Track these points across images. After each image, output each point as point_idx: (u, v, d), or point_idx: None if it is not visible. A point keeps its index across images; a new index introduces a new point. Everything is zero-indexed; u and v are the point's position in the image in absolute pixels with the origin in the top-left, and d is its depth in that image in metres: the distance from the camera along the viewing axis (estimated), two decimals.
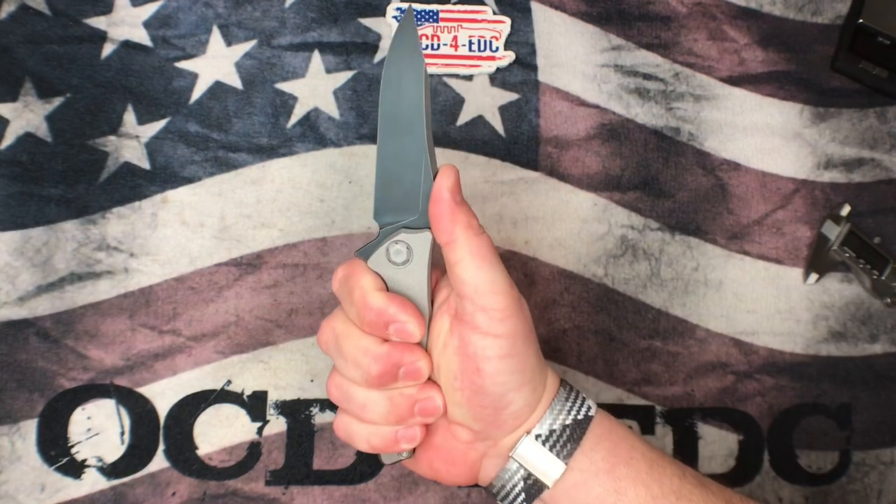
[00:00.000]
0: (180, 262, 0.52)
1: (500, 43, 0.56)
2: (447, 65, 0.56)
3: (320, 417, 0.51)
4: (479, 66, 0.56)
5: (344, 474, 0.50)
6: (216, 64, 0.56)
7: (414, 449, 0.39)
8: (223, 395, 0.50)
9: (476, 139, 0.55)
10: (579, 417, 0.37)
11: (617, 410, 0.51)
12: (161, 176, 0.54)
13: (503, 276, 0.36)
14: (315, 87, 0.56)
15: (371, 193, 0.38)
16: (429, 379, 0.37)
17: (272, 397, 0.51)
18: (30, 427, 0.49)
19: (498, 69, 0.56)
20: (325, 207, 0.54)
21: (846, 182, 0.55)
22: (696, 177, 0.55)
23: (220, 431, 0.50)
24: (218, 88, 0.55)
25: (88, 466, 0.49)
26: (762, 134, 0.56)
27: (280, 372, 0.51)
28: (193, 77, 0.55)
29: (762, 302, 0.53)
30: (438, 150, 0.55)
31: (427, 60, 0.56)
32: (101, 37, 0.55)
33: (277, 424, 0.50)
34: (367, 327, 0.37)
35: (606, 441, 0.38)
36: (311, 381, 0.51)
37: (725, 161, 0.56)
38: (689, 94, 0.56)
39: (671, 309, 0.53)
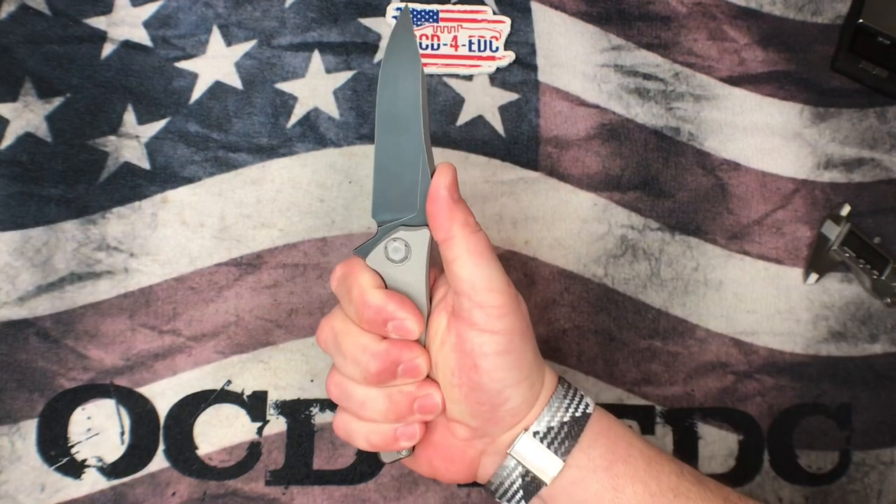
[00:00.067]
0: (180, 262, 0.52)
1: (500, 43, 0.56)
2: (447, 65, 0.56)
3: (320, 417, 0.51)
4: (479, 66, 0.56)
5: (344, 474, 0.50)
6: (216, 64, 0.56)
7: (413, 447, 0.39)
8: (223, 395, 0.50)
9: (476, 139, 0.55)
10: (577, 415, 0.38)
11: (617, 410, 0.51)
12: (161, 176, 0.54)
13: (500, 274, 0.36)
14: (315, 87, 0.56)
15: (371, 193, 0.38)
16: (427, 376, 0.38)
17: (272, 397, 0.51)
18: (30, 427, 0.49)
19: (498, 69, 0.56)
20: (325, 207, 0.54)
21: (846, 182, 0.55)
22: (696, 177, 0.55)
23: (220, 431, 0.50)
24: (218, 88, 0.55)
25: (88, 466, 0.49)
26: (762, 134, 0.56)
27: (280, 372, 0.51)
28: (193, 77, 0.55)
29: (762, 302, 0.53)
30: (438, 150, 0.55)
31: (427, 60, 0.56)
32: (101, 37, 0.55)
33: (277, 424, 0.50)
34: (366, 325, 0.37)
35: (604, 438, 0.38)
36: (311, 381, 0.51)
37: (725, 161, 0.56)
38: (689, 94, 0.56)
39: (671, 309, 0.53)
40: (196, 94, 0.55)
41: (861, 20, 0.53)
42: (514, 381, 0.36)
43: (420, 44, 0.56)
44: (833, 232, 0.54)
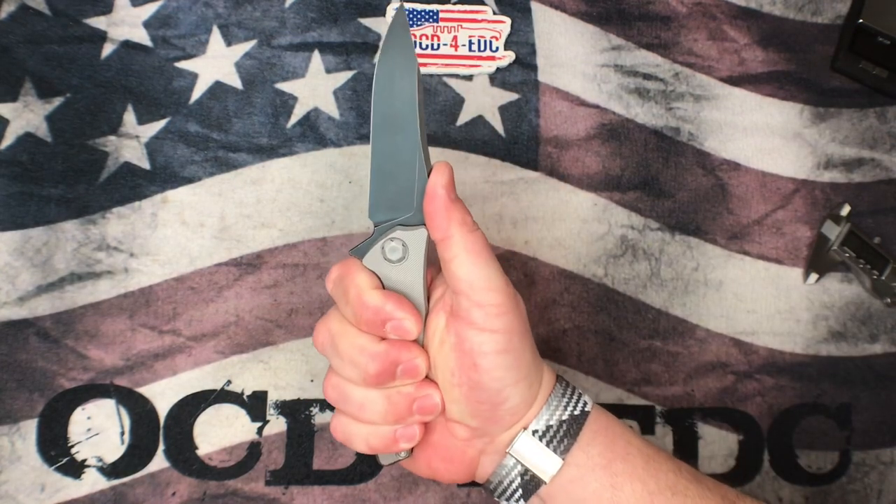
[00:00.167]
0: (180, 262, 0.52)
1: (500, 43, 0.56)
2: (447, 65, 0.56)
3: (320, 417, 0.51)
4: (479, 66, 0.56)
5: (344, 474, 0.50)
6: (216, 64, 0.56)
7: (412, 449, 0.39)
8: (223, 395, 0.50)
9: (476, 139, 0.55)
10: (576, 413, 0.38)
11: (617, 410, 0.51)
12: (161, 176, 0.54)
13: (498, 273, 0.36)
14: (315, 87, 0.56)
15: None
16: (426, 377, 0.37)
17: (272, 397, 0.51)
18: (30, 427, 0.49)
19: (498, 69, 0.56)
20: (325, 207, 0.54)
21: (846, 182, 0.55)
22: (696, 177, 0.55)
23: (220, 431, 0.50)
24: (218, 88, 0.55)
25: (88, 466, 0.49)
26: (762, 134, 0.56)
27: (280, 372, 0.51)
28: (193, 77, 0.55)
29: (762, 302, 0.53)
30: (439, 150, 0.55)
31: (427, 60, 0.56)
32: (101, 37, 0.55)
33: (277, 424, 0.50)
34: (364, 326, 0.37)
35: (603, 437, 0.38)
36: (311, 381, 0.51)
37: (725, 161, 0.56)
38: (689, 94, 0.56)
39: (671, 309, 0.53)
40: (196, 94, 0.55)
41: (861, 20, 0.53)
42: (514, 380, 0.36)
43: (420, 44, 0.56)
44: (833, 232, 0.54)
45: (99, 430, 0.50)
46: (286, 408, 0.51)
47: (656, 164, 0.55)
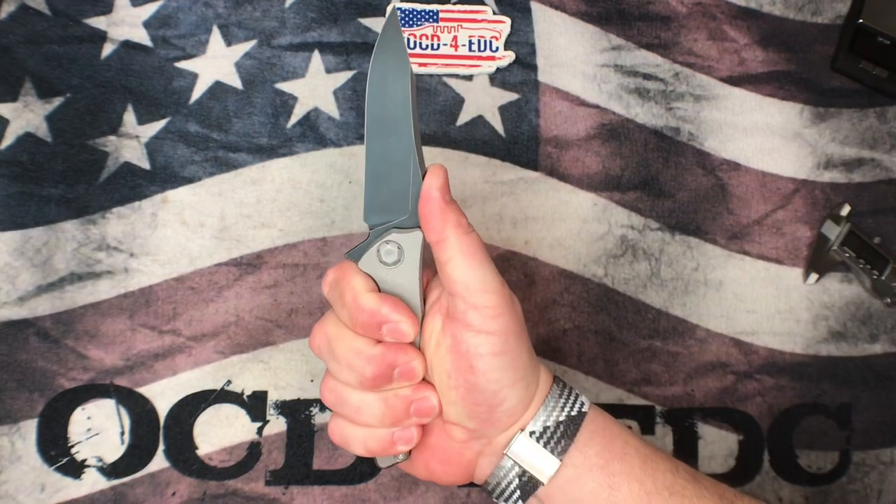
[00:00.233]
0: (180, 262, 0.52)
1: (500, 43, 0.56)
2: (447, 65, 0.56)
3: (320, 417, 0.51)
4: (479, 66, 0.56)
5: (344, 474, 0.50)
6: (216, 64, 0.56)
7: (409, 451, 0.39)
8: (223, 395, 0.51)
9: (476, 139, 0.55)
10: (573, 414, 0.38)
11: (617, 410, 0.51)
12: (161, 176, 0.54)
13: (494, 274, 0.36)
14: (315, 87, 0.56)
15: None
16: (423, 379, 0.37)
17: (272, 397, 0.51)
18: (30, 427, 0.49)
19: (498, 69, 0.56)
20: (325, 207, 0.54)
21: (846, 182, 0.55)
22: (696, 177, 0.55)
23: (220, 431, 0.50)
24: (218, 88, 0.55)
25: (88, 466, 0.49)
26: (762, 134, 0.56)
27: (280, 372, 0.51)
28: (193, 77, 0.55)
29: (762, 302, 0.53)
30: (438, 150, 0.55)
31: (427, 60, 0.56)
32: (101, 37, 0.55)
33: (277, 424, 0.50)
34: (360, 329, 0.37)
35: (600, 437, 0.38)
36: (311, 381, 0.51)
37: (725, 161, 0.56)
38: (689, 94, 0.56)
39: (671, 309, 0.53)
40: (196, 94, 0.55)
41: (861, 20, 0.53)
42: (511, 382, 0.36)
43: (420, 44, 0.56)
44: (833, 232, 0.54)
45: (99, 430, 0.50)
46: (286, 408, 0.51)
47: (656, 164, 0.55)
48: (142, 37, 0.56)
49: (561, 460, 0.37)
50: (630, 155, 0.55)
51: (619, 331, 0.53)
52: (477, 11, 0.57)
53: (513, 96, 0.56)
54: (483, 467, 0.39)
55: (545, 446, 0.37)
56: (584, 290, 0.53)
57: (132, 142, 0.54)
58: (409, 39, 0.56)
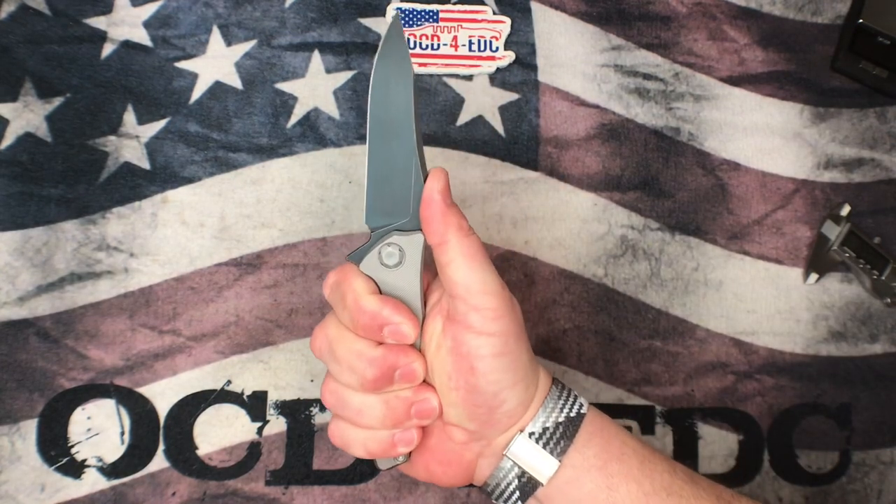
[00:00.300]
0: (180, 262, 0.52)
1: (500, 43, 0.56)
2: (447, 65, 0.56)
3: (320, 417, 0.51)
4: (479, 66, 0.56)
5: (344, 474, 0.50)
6: (216, 64, 0.56)
7: (409, 453, 0.39)
8: (223, 395, 0.51)
9: (476, 139, 0.55)
10: (572, 415, 0.38)
11: (617, 410, 0.51)
12: (161, 176, 0.54)
13: (494, 276, 0.36)
14: (315, 87, 0.56)
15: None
16: (423, 381, 0.38)
17: (272, 397, 0.51)
18: (30, 427, 0.49)
19: (498, 69, 0.56)
20: (325, 207, 0.54)
21: (846, 182, 0.55)
22: (696, 177, 0.55)
23: (220, 431, 0.50)
24: (218, 88, 0.55)
25: (88, 466, 0.49)
26: (762, 134, 0.56)
27: (280, 372, 0.51)
28: (193, 77, 0.55)
29: (762, 302, 0.53)
30: (438, 150, 0.55)
31: (427, 60, 0.56)
32: (101, 37, 0.55)
33: (277, 424, 0.50)
34: (362, 331, 0.37)
35: (598, 438, 0.38)
36: (311, 381, 0.51)
37: (725, 161, 0.56)
38: (689, 94, 0.56)
39: (671, 309, 0.53)
40: (196, 94, 0.55)
41: (861, 20, 0.53)
42: (511, 383, 0.36)
43: (420, 44, 0.56)
44: (833, 232, 0.54)
45: (99, 430, 0.50)
46: (286, 408, 0.51)
47: (656, 164, 0.55)
48: (142, 37, 0.56)
49: (560, 461, 0.37)
50: (630, 155, 0.55)
51: (619, 331, 0.53)
52: (477, 11, 0.57)
53: (513, 96, 0.56)
54: (483, 468, 0.39)
55: (544, 447, 0.37)
56: (584, 290, 0.53)
57: (132, 142, 0.54)
58: (409, 39, 0.56)
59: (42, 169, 0.53)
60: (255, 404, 0.50)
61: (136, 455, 0.49)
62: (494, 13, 0.57)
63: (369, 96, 0.37)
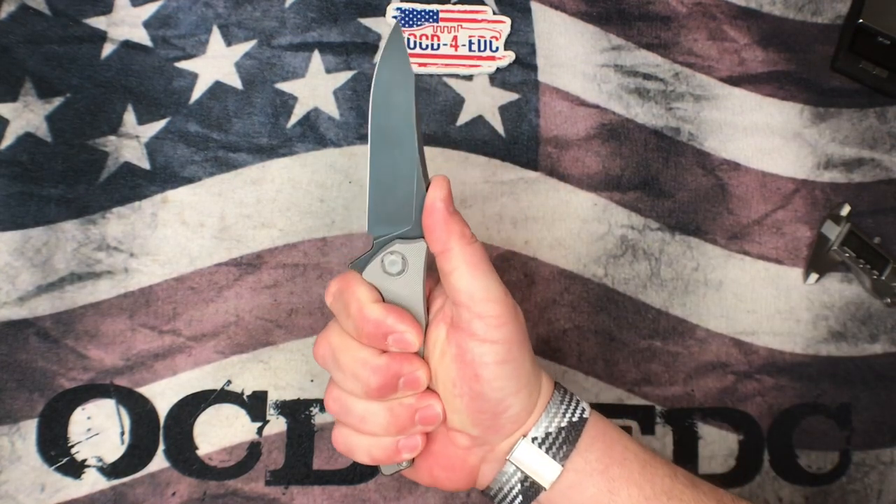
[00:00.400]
0: (180, 262, 0.52)
1: (500, 43, 0.56)
2: (447, 65, 0.56)
3: (320, 417, 0.51)
4: (479, 66, 0.56)
5: (344, 474, 0.50)
6: (216, 64, 0.56)
7: (413, 458, 0.39)
8: (223, 395, 0.51)
9: (476, 139, 0.55)
10: (574, 419, 0.38)
11: (617, 410, 0.51)
12: (161, 176, 0.54)
13: (497, 284, 0.36)
14: (315, 87, 0.56)
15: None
16: (427, 388, 0.38)
17: (272, 397, 0.51)
18: (30, 427, 0.49)
19: (498, 69, 0.56)
20: (325, 207, 0.54)
21: (846, 182, 0.55)
22: (696, 177, 0.55)
23: (220, 431, 0.50)
24: (218, 88, 0.55)
25: (88, 466, 0.49)
26: (762, 134, 0.56)
27: (280, 372, 0.51)
28: (193, 77, 0.55)
29: (762, 302, 0.53)
30: (438, 151, 0.55)
31: (427, 60, 0.56)
32: (101, 37, 0.55)
33: (277, 424, 0.50)
34: (365, 339, 0.37)
35: (600, 442, 0.38)
36: (311, 381, 0.51)
37: (725, 161, 0.56)
38: (689, 94, 0.56)
39: (671, 309, 0.53)
40: (196, 94, 0.55)
41: (861, 20, 0.53)
42: (515, 390, 0.36)
43: (420, 44, 0.56)
44: (833, 232, 0.54)
45: (99, 430, 0.50)
46: (286, 408, 0.51)
47: (656, 164, 0.55)
48: (142, 37, 0.56)
49: (563, 466, 0.37)
50: (630, 155, 0.55)
51: (619, 331, 0.53)
52: (477, 11, 0.57)
53: (513, 96, 0.56)
54: (486, 473, 0.39)
55: (547, 452, 0.37)
56: (584, 290, 0.53)
57: (132, 142, 0.54)
58: (409, 39, 0.56)
59: (42, 169, 0.53)
60: (255, 404, 0.50)
61: (136, 455, 0.49)
62: (494, 13, 0.57)
63: (370, 104, 0.37)
